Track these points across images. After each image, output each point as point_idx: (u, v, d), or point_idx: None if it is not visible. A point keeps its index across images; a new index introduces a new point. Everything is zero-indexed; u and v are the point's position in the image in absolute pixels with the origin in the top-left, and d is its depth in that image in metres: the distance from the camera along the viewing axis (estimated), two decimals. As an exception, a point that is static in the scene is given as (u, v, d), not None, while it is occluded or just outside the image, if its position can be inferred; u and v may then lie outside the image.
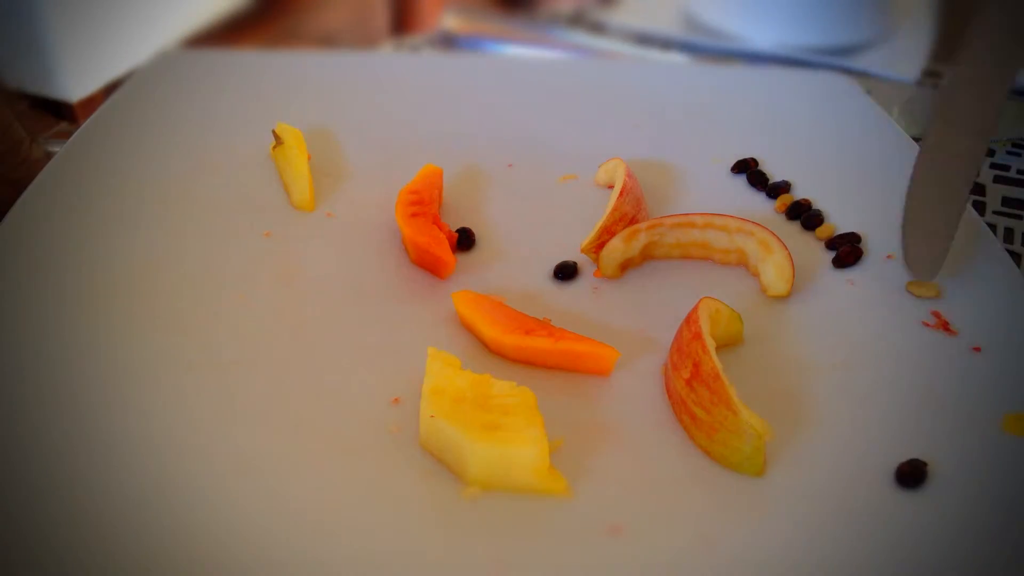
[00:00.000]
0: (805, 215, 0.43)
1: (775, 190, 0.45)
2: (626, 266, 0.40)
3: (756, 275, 0.39)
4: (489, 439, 0.29)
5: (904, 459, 0.30)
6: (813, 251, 0.41)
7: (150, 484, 0.29)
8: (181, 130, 0.49)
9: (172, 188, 0.44)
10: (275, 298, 0.37)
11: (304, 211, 0.43)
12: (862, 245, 0.41)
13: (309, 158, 0.46)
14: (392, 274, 0.39)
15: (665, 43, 0.74)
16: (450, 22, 0.75)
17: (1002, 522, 0.28)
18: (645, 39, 0.75)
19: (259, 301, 0.37)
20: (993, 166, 0.55)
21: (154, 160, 0.46)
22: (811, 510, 0.29)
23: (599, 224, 0.40)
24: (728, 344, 0.35)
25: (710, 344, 0.31)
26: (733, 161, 0.48)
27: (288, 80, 0.55)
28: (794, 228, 0.43)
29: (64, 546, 0.26)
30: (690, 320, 0.33)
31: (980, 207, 0.51)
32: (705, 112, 0.53)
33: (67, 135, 0.47)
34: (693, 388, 0.31)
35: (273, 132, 0.46)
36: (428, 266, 0.39)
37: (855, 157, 0.48)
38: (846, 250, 0.40)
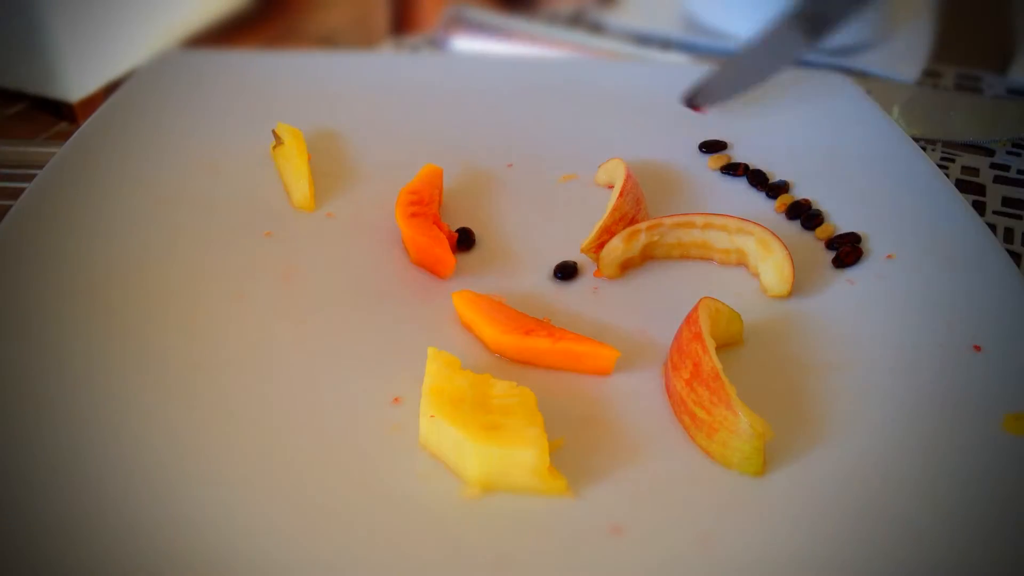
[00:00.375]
0: (805, 215, 0.43)
1: (775, 190, 0.45)
2: (626, 266, 0.40)
3: (756, 275, 0.39)
4: (489, 439, 0.29)
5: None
6: (813, 251, 0.41)
7: (149, 483, 0.29)
8: (181, 130, 0.49)
9: (172, 188, 0.44)
10: (275, 298, 0.37)
11: (304, 211, 0.43)
12: (862, 245, 0.41)
13: (309, 158, 0.46)
14: (392, 274, 0.39)
15: (665, 43, 0.74)
16: (449, 22, 0.75)
17: (1002, 522, 0.28)
18: (645, 39, 0.75)
19: (259, 301, 0.37)
20: (993, 166, 0.55)
21: (154, 160, 0.46)
22: (811, 510, 0.29)
23: (599, 224, 0.40)
24: (728, 344, 0.35)
25: (710, 344, 0.32)
26: (732, 160, 0.48)
27: (288, 80, 0.55)
28: (794, 228, 0.43)
29: (63, 546, 0.26)
30: (690, 320, 0.33)
31: (980, 207, 0.51)
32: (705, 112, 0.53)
33: (67, 135, 0.47)
34: (693, 388, 0.31)
35: (273, 132, 0.46)
36: (428, 266, 0.39)
37: (855, 157, 0.48)
38: (846, 250, 0.40)
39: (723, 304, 0.34)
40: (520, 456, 0.28)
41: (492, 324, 0.35)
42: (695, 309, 0.33)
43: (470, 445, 0.29)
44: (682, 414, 0.32)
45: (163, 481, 0.29)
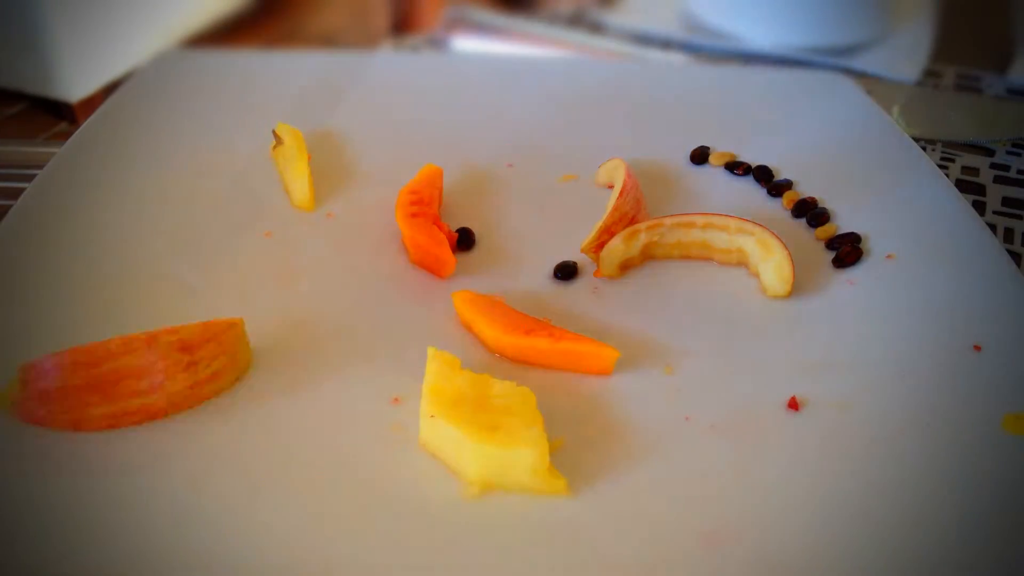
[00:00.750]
0: (811, 213, 0.43)
1: (778, 188, 0.45)
2: (626, 266, 0.40)
3: (756, 275, 0.39)
4: (489, 439, 0.29)
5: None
6: (813, 251, 0.41)
7: (147, 482, 0.29)
8: (181, 130, 0.49)
9: (172, 188, 0.44)
10: (275, 298, 0.37)
11: (304, 211, 0.43)
12: (862, 245, 0.41)
13: (309, 158, 0.46)
14: (392, 274, 0.39)
15: (665, 43, 0.74)
16: (450, 22, 0.75)
17: (1002, 522, 0.28)
18: (645, 39, 0.75)
19: (259, 301, 0.37)
20: (993, 166, 0.55)
21: (154, 160, 0.46)
22: (811, 511, 0.29)
23: (599, 224, 0.40)
24: None
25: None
26: (735, 159, 0.48)
27: (288, 80, 0.55)
28: (795, 227, 0.43)
29: (62, 548, 0.26)
30: None
31: (980, 207, 0.51)
32: (705, 112, 0.53)
33: (67, 135, 0.47)
34: None
35: (273, 132, 0.46)
36: (428, 266, 0.39)
37: (855, 157, 0.48)
38: (846, 250, 0.40)
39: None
40: (520, 456, 0.28)
41: (492, 324, 0.35)
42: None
43: (469, 445, 0.29)
44: None
45: (161, 480, 0.29)
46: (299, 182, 0.43)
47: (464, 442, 0.29)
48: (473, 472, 0.29)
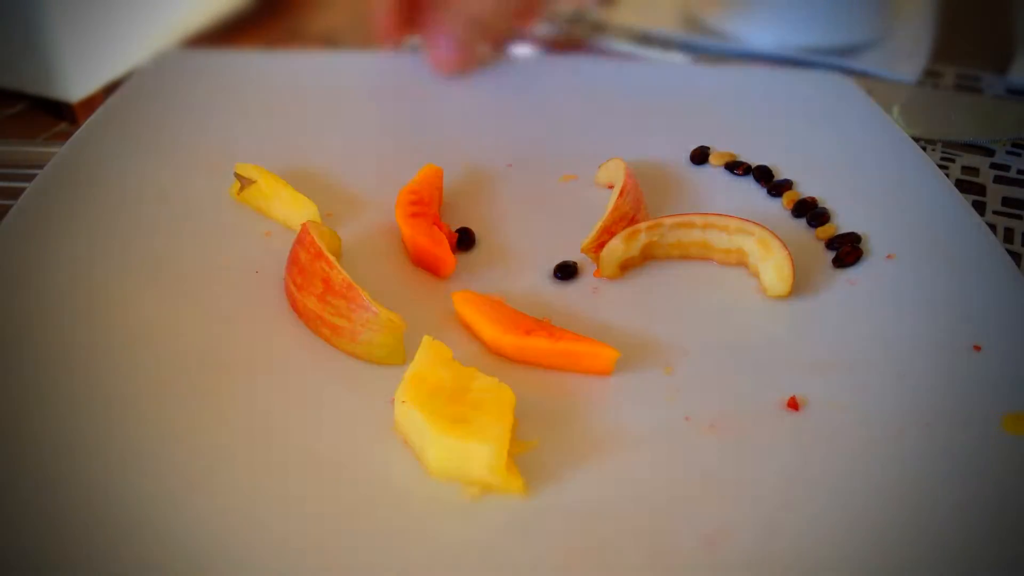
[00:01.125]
0: (811, 213, 0.43)
1: (778, 188, 0.45)
2: (626, 266, 0.40)
3: (756, 275, 0.39)
4: (451, 431, 0.29)
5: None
6: (813, 251, 0.41)
7: (147, 485, 0.29)
8: (181, 130, 0.49)
9: (172, 188, 0.44)
10: (275, 297, 0.37)
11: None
12: (862, 245, 0.41)
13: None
14: (392, 274, 0.39)
15: (665, 43, 0.74)
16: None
17: (1002, 522, 0.28)
18: (645, 39, 0.75)
19: (259, 301, 0.37)
20: (993, 166, 0.55)
21: (154, 160, 0.46)
22: (812, 512, 0.29)
23: (599, 224, 0.40)
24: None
25: (333, 260, 0.35)
26: (735, 159, 0.48)
27: (288, 80, 0.55)
28: (795, 227, 0.43)
29: (62, 547, 0.26)
30: (304, 242, 0.36)
31: (980, 207, 0.51)
32: (705, 112, 0.53)
33: (67, 135, 0.47)
34: (328, 302, 0.34)
35: (236, 175, 0.42)
36: (428, 266, 0.39)
37: (855, 157, 0.48)
38: (846, 250, 0.40)
39: (323, 225, 0.39)
40: (477, 451, 0.28)
41: (492, 324, 0.35)
42: (304, 232, 0.36)
43: (430, 434, 0.29)
44: (321, 328, 0.34)
45: (162, 480, 0.29)
46: (295, 206, 0.41)
47: (427, 431, 0.29)
48: (432, 462, 0.29)
